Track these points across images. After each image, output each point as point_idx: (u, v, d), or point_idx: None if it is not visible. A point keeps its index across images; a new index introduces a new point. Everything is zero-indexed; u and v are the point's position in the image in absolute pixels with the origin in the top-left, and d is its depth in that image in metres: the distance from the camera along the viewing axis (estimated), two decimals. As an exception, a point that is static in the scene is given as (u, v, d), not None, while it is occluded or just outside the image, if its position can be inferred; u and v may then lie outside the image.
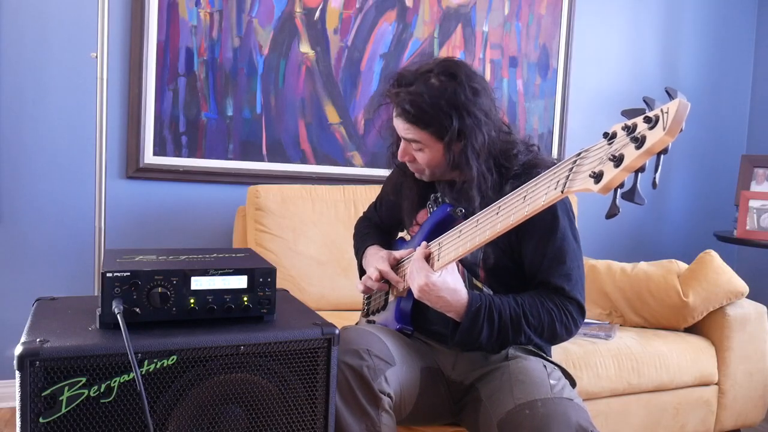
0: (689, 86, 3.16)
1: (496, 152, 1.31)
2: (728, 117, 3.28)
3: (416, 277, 1.22)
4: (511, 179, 1.30)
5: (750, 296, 2.17)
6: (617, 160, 0.85)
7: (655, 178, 0.84)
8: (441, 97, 1.25)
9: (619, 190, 0.87)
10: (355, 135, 2.52)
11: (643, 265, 2.18)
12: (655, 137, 0.80)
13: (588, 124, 2.93)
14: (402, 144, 1.35)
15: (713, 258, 2.08)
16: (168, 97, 2.26)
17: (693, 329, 2.14)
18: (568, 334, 1.28)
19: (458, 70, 1.28)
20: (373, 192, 2.23)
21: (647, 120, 0.82)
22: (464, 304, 1.21)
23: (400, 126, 1.31)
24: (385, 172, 1.60)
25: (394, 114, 1.33)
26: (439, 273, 1.21)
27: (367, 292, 1.46)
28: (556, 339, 1.29)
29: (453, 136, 1.25)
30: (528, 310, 1.23)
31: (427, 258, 1.25)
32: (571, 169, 0.95)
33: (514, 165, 1.32)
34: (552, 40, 2.82)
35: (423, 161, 1.33)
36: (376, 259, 1.42)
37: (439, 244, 1.24)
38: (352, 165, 2.53)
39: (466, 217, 1.26)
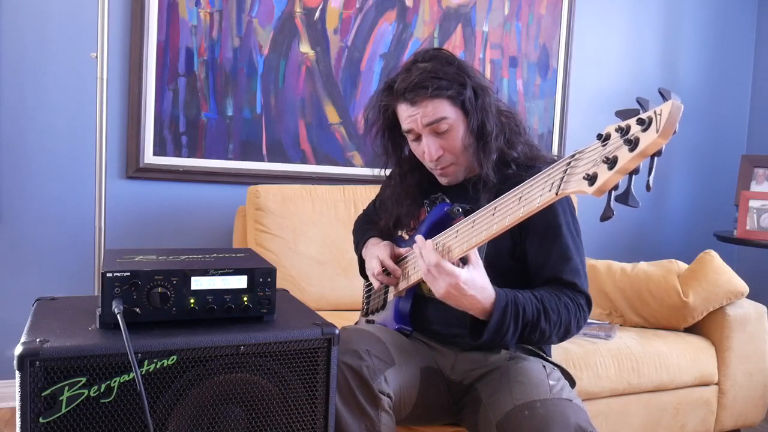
0: (689, 86, 3.16)
1: (502, 112, 1.35)
2: (728, 117, 3.28)
3: (442, 279, 1.12)
4: (512, 167, 1.31)
5: (750, 296, 2.17)
6: (611, 162, 0.85)
7: (648, 180, 0.84)
8: (443, 65, 1.28)
9: (613, 192, 0.87)
10: (355, 135, 2.52)
11: (643, 265, 2.18)
12: (648, 139, 0.80)
13: (588, 124, 2.93)
14: (426, 141, 1.30)
15: (713, 258, 2.08)
16: (168, 97, 2.26)
17: (693, 329, 2.14)
18: (578, 329, 1.25)
19: (440, 48, 1.35)
20: (373, 192, 2.22)
21: (640, 122, 0.82)
22: (492, 301, 1.14)
23: (419, 111, 1.28)
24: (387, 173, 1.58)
25: (409, 107, 1.29)
26: (467, 270, 1.13)
27: (378, 287, 1.44)
28: (569, 334, 1.25)
29: (470, 94, 1.28)
30: (548, 305, 1.19)
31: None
32: (566, 170, 0.95)
33: (518, 143, 1.33)
34: (552, 40, 2.82)
35: (454, 145, 1.30)
36: (378, 248, 1.41)
37: (436, 243, 1.24)
38: (352, 165, 2.53)
39: (465, 215, 1.27)
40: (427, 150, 1.31)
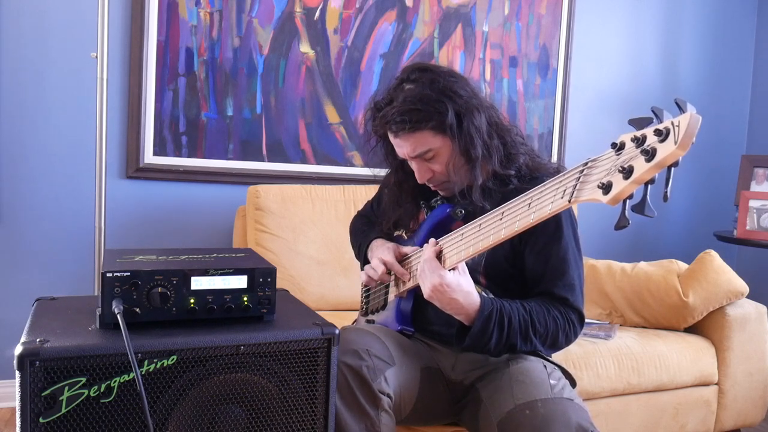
0: (689, 86, 3.16)
1: (496, 128, 1.32)
2: (728, 117, 3.28)
3: (429, 276, 1.17)
4: (514, 182, 1.30)
5: (750, 296, 2.17)
6: (626, 172, 0.84)
7: (666, 191, 0.83)
8: (424, 90, 1.26)
9: (628, 201, 0.87)
10: (355, 135, 2.52)
11: (643, 265, 2.18)
12: (666, 150, 0.79)
13: (588, 124, 2.93)
14: (415, 165, 1.33)
15: (713, 258, 2.08)
16: (168, 97, 2.26)
17: (693, 329, 2.14)
18: (567, 343, 1.28)
19: (426, 65, 1.32)
20: (373, 192, 2.22)
21: (658, 133, 0.80)
22: (476, 308, 1.18)
23: (405, 144, 1.30)
24: (385, 172, 1.58)
25: (393, 138, 1.32)
26: (452, 274, 1.17)
27: (369, 283, 1.45)
28: (556, 347, 1.29)
29: (453, 121, 1.26)
30: (536, 317, 1.22)
31: (438, 255, 1.21)
32: (579, 178, 0.94)
33: (519, 154, 1.32)
34: (552, 40, 2.82)
35: (441, 169, 1.31)
36: (382, 250, 1.41)
37: (441, 245, 1.23)
38: (352, 165, 2.53)
39: (465, 218, 1.26)
40: (417, 174, 1.34)
